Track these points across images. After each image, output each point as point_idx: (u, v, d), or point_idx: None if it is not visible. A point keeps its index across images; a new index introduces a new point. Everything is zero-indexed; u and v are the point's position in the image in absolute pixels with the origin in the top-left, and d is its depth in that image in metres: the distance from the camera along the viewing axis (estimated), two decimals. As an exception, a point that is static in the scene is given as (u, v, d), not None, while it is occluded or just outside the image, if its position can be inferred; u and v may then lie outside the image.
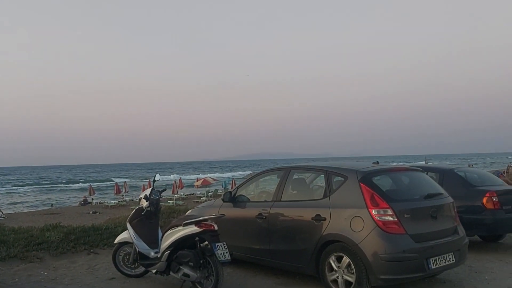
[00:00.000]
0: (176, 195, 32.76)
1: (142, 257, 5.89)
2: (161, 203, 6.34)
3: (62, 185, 72.03)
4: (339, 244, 5.14)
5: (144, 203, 5.99)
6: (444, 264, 5.16)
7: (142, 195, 6.11)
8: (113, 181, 56.87)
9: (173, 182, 34.26)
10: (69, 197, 48.60)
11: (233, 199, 6.61)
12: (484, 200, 7.52)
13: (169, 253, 5.47)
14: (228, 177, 48.84)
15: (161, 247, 5.65)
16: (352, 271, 5.00)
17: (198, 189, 40.21)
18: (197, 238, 5.37)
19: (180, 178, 40.41)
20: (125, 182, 38.79)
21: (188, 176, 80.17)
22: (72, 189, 61.59)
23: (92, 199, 35.43)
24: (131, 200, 32.97)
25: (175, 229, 5.48)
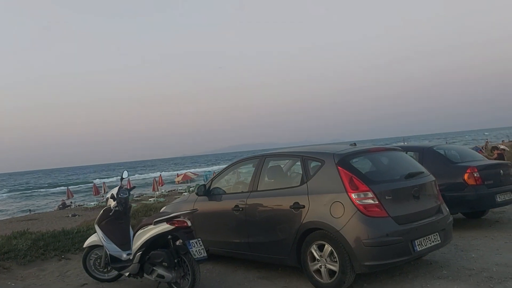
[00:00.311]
0: (157, 192, 32.24)
1: (114, 260, 5.55)
2: (130, 203, 5.99)
3: (41, 189, 70.51)
4: (320, 232, 4.88)
5: (112, 203, 5.63)
6: (430, 245, 4.95)
7: (108, 195, 5.76)
8: (92, 182, 55.75)
9: (153, 179, 33.70)
10: (49, 202, 47.53)
11: (208, 192, 6.31)
12: (466, 176, 7.37)
13: (141, 254, 5.14)
14: (209, 171, 48.35)
15: (132, 248, 5.32)
16: (335, 259, 4.75)
17: (180, 184, 39.70)
18: (170, 236, 5.05)
19: (160, 175, 39.78)
20: (104, 182, 38.01)
21: (170, 172, 79.47)
22: (51, 193, 60.36)
23: (71, 202, 34.68)
24: (111, 201, 32.32)
25: (146, 228, 5.15)
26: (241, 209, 5.70)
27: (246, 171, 6.80)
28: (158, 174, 47.12)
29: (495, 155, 15.89)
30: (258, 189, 5.69)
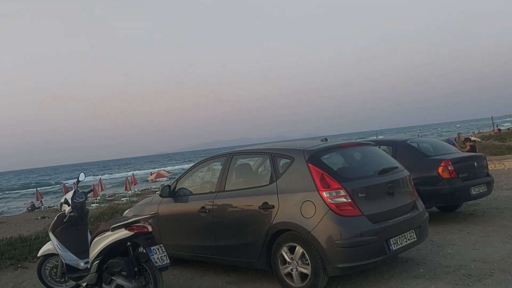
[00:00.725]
0: (130, 192, 31.53)
1: (71, 269, 5.16)
2: (88, 207, 5.59)
3: (12, 191, 68.42)
4: (290, 233, 4.60)
5: (66, 208, 5.22)
6: (406, 243, 4.72)
7: (62, 200, 5.34)
8: (62, 183, 54.22)
9: (125, 178, 32.91)
10: (20, 204, 46.05)
11: (172, 193, 5.95)
12: (440, 169, 7.20)
13: (99, 263, 4.75)
14: (183, 168, 47.65)
15: (89, 257, 4.93)
16: (307, 262, 4.48)
17: (153, 183, 38.96)
18: (129, 243, 4.69)
19: (133, 173, 38.97)
20: (74, 183, 37.04)
21: (144, 171, 78.36)
22: (21, 195, 58.60)
23: (41, 203, 33.63)
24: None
25: (103, 235, 4.76)
26: (208, 211, 5.37)
27: (214, 170, 6.47)
28: (131, 173, 46.20)
29: (468, 147, 15.95)
30: (225, 189, 5.37)
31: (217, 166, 6.57)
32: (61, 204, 5.35)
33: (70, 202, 5.21)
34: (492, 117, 52.03)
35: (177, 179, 6.13)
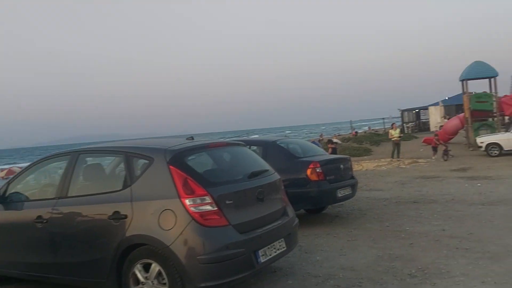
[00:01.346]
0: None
1: None
2: None
3: None
4: (145, 248, 3.90)
5: None
6: (275, 254, 4.31)
7: None
8: None
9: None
10: None
11: (3, 199, 4.84)
12: (308, 171, 7.08)
13: None
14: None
15: None
16: (164, 282, 3.82)
17: (4, 180, 34.69)
18: None
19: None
20: None
21: (-6, 167, 69.94)
22: None
23: None
24: None
25: None
26: (45, 221, 4.41)
27: (57, 172, 5.44)
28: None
29: (330, 150, 16.51)
30: (68, 195, 4.45)
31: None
32: None
33: None
34: (351, 121, 56.52)
35: (8, 182, 5.03)
